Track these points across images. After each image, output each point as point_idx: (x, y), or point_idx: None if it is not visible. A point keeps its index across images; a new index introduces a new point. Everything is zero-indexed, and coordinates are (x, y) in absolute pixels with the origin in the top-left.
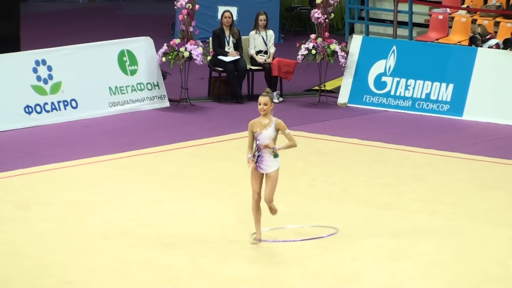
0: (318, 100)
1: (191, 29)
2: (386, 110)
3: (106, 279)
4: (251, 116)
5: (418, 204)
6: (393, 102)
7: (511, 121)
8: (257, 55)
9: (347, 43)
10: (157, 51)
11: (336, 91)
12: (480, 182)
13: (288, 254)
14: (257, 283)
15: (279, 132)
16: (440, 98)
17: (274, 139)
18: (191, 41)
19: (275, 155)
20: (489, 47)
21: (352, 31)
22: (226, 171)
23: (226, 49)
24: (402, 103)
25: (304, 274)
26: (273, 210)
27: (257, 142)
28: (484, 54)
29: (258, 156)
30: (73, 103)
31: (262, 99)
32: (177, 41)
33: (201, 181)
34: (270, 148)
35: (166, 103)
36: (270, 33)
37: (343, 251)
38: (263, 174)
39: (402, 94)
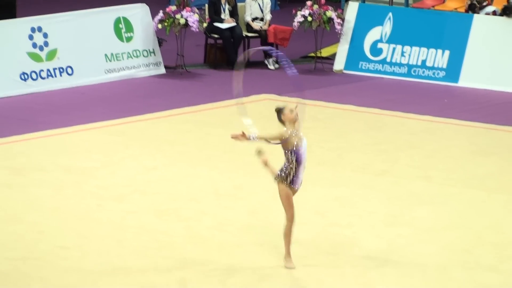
0: (314, 66)
1: None
2: (382, 77)
3: (101, 244)
4: (247, 83)
5: (413, 170)
6: (389, 69)
7: (506, 88)
8: (253, 22)
9: (343, 10)
10: (153, 18)
11: (332, 57)
12: (476, 148)
13: (283, 221)
14: (252, 248)
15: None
16: (436, 65)
17: None
18: (187, 8)
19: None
20: (486, 14)
21: None
22: (222, 137)
23: (222, 16)
24: (398, 70)
25: (300, 240)
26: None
27: (300, 158)
28: (480, 21)
29: (294, 174)
30: (69, 70)
31: (293, 107)
32: (173, 8)
33: (196, 148)
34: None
35: (162, 70)
36: (266, 0)
37: (339, 217)
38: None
39: (398, 61)
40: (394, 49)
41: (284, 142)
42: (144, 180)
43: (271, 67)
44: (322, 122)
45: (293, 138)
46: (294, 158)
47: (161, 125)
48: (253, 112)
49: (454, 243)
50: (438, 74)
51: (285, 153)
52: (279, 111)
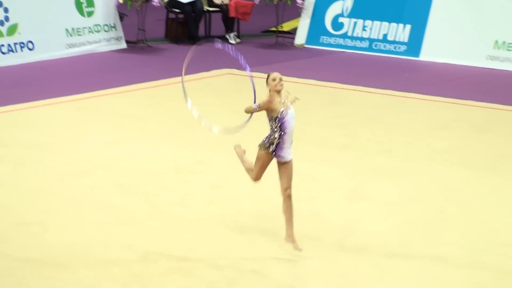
0: (275, 41)
1: None
2: (343, 51)
3: (62, 220)
4: (208, 58)
5: (375, 145)
6: (350, 43)
7: (467, 62)
8: None
9: None
10: None
11: (293, 32)
12: (437, 123)
13: (244, 195)
14: (213, 223)
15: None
16: (397, 39)
17: None
18: None
19: (291, 141)
20: None
21: None
22: (183, 112)
23: None
24: (359, 44)
25: (260, 215)
26: (291, 202)
27: (285, 126)
28: None
29: (278, 144)
30: (30, 45)
31: (275, 74)
32: None
33: (157, 123)
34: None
35: (123, 45)
36: None
37: (301, 191)
38: (270, 162)
39: (359, 35)
40: (355, 23)
41: (268, 108)
42: (104, 155)
43: (232, 41)
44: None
45: (278, 105)
46: (278, 125)
47: (122, 100)
48: (215, 87)
49: (415, 218)
50: (399, 48)
51: (269, 121)
52: (267, 77)
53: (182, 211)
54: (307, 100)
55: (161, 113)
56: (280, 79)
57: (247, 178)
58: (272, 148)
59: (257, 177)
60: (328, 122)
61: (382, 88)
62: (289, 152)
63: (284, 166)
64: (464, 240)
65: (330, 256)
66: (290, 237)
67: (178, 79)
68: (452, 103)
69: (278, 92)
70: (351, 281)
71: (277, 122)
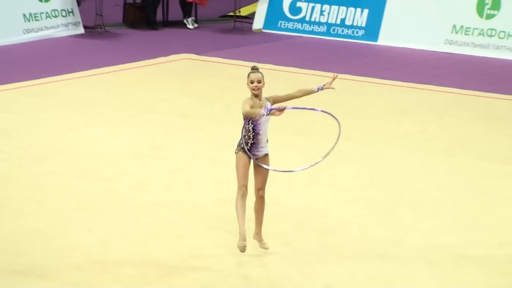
0: (233, 26)
1: None
2: (301, 36)
3: (21, 205)
4: (167, 43)
5: (333, 129)
6: (308, 28)
7: (426, 46)
8: None
9: None
10: None
11: (251, 17)
12: (395, 107)
13: (203, 180)
14: (172, 208)
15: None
16: (355, 24)
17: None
18: None
19: (267, 140)
20: None
21: None
22: (141, 97)
23: None
24: (317, 29)
25: (219, 200)
26: (263, 203)
27: (258, 128)
28: None
29: (252, 144)
30: None
31: (254, 75)
32: None
33: (116, 108)
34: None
35: (81, 30)
36: None
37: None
38: (250, 164)
39: (317, 20)
40: (313, 8)
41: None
42: (63, 141)
43: (190, 26)
44: (241, 81)
45: (255, 109)
46: (251, 127)
47: (80, 85)
48: (173, 71)
49: (374, 202)
50: (357, 32)
51: (244, 121)
52: (248, 73)
53: (141, 196)
54: (265, 85)
55: (119, 99)
56: (259, 81)
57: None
58: (247, 148)
59: (242, 182)
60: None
61: (340, 73)
62: (266, 150)
63: (260, 161)
64: (423, 224)
65: (289, 241)
66: (258, 235)
67: (136, 64)
68: (411, 87)
69: (256, 95)
70: (310, 265)
71: (251, 124)
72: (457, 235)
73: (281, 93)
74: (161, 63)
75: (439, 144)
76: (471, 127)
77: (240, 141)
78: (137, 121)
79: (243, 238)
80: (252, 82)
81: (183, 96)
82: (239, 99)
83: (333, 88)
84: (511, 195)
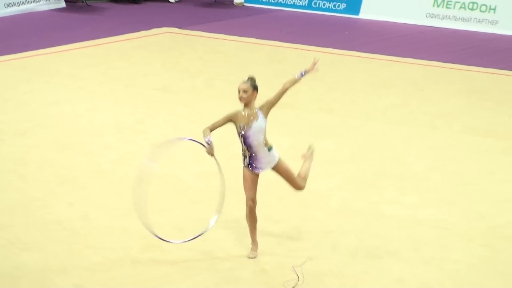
0: (215, 0)
1: None
2: (283, 9)
3: (3, 180)
4: (148, 17)
5: (315, 103)
6: (290, 1)
7: (407, 20)
8: None
9: None
10: None
11: None
12: (377, 81)
13: (185, 154)
14: (154, 182)
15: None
16: None
17: (265, 131)
18: None
19: (269, 148)
20: None
21: None
22: (123, 71)
23: None
24: (299, 2)
25: (201, 174)
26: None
27: (249, 141)
28: None
29: (250, 156)
30: None
31: (241, 85)
32: None
33: (98, 82)
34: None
35: (62, 4)
36: None
37: (239, 149)
38: (258, 176)
39: None
40: None
41: (232, 121)
42: (45, 115)
43: (171, 0)
44: (223, 55)
45: (241, 119)
46: (242, 140)
47: (62, 59)
48: (155, 45)
49: (356, 176)
50: (338, 6)
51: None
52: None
53: (123, 169)
54: (247, 58)
55: (101, 73)
56: (244, 91)
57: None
58: (246, 162)
59: (249, 199)
60: (268, 81)
61: (322, 46)
62: (270, 160)
63: (277, 170)
64: (405, 198)
65: (271, 214)
66: (256, 246)
67: (118, 37)
68: (392, 61)
69: (245, 105)
70: (292, 238)
71: (240, 137)
72: (439, 208)
73: (271, 94)
74: (142, 37)
75: (421, 117)
76: (453, 100)
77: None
78: (119, 95)
79: (255, 247)
80: (238, 92)
81: (165, 70)
82: (221, 73)
83: (316, 71)
84: (493, 168)
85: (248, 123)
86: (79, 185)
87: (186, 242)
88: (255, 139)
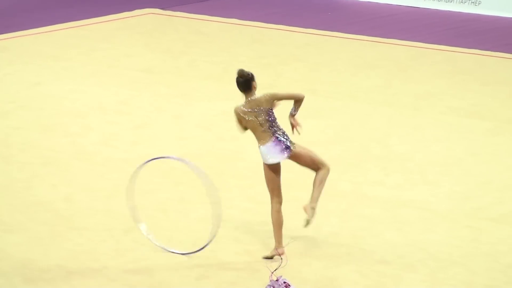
0: None
1: None
2: None
3: None
4: None
5: (298, 84)
6: None
7: (390, 0)
8: None
9: None
10: None
11: None
12: (361, 61)
13: (168, 135)
14: (137, 163)
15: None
16: None
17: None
18: None
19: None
20: None
21: None
22: (106, 52)
23: None
24: None
25: (185, 155)
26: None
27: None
28: None
29: (261, 151)
30: None
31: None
32: None
33: (81, 63)
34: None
35: None
36: None
37: (223, 130)
38: (280, 167)
39: None
40: None
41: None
42: (28, 96)
43: None
44: (206, 36)
45: (243, 119)
46: (274, 122)
47: (45, 40)
48: (138, 26)
49: (340, 157)
50: None
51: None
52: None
53: (107, 151)
54: (230, 39)
55: (84, 54)
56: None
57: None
58: (289, 142)
59: (274, 196)
60: (251, 62)
61: (305, 27)
62: (274, 154)
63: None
64: (388, 178)
65: (254, 195)
66: (281, 247)
67: (101, 18)
68: (375, 41)
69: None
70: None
71: (272, 114)
72: (423, 189)
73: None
74: (125, 18)
75: (404, 98)
76: (436, 81)
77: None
78: (102, 77)
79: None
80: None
81: (148, 51)
82: (204, 54)
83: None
84: (477, 150)
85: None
86: (62, 167)
87: (191, 254)
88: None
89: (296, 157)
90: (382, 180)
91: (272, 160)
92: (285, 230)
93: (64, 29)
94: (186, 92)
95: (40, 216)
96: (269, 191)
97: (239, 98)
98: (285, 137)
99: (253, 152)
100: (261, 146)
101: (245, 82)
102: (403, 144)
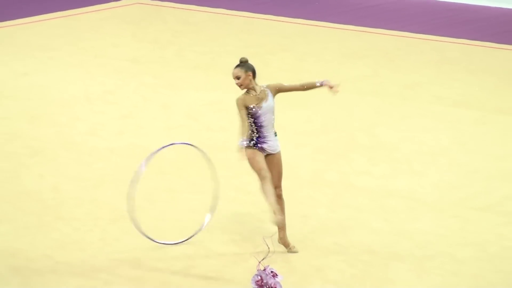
0: None
1: None
2: None
3: None
4: None
5: (286, 74)
6: None
7: None
8: None
9: None
10: None
11: None
12: (348, 51)
13: (154, 125)
14: (124, 152)
15: (279, 93)
16: None
17: (274, 111)
18: None
19: (275, 133)
20: None
21: None
22: (93, 42)
23: None
24: None
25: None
26: (282, 202)
27: (260, 120)
28: None
29: (258, 137)
30: None
31: (233, 71)
32: None
33: (68, 53)
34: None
35: None
36: None
37: (210, 120)
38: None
39: None
40: None
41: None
42: (15, 86)
43: None
44: (194, 26)
45: (249, 101)
46: (252, 121)
47: (32, 30)
48: (125, 16)
49: (327, 147)
50: None
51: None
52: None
53: (93, 141)
54: (217, 29)
55: (71, 43)
56: (237, 77)
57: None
58: (253, 142)
59: (261, 175)
60: (239, 52)
61: (292, 17)
62: (276, 145)
63: (271, 160)
64: (375, 168)
65: (240, 185)
66: (283, 239)
67: (88, 8)
68: (362, 31)
69: (248, 90)
70: (262, 210)
71: (250, 117)
72: (409, 179)
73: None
74: (112, 7)
75: (391, 88)
76: (423, 71)
77: (246, 139)
78: (89, 66)
79: (278, 213)
80: (234, 79)
81: (135, 41)
82: (191, 44)
83: (334, 92)
84: (464, 139)
85: (259, 104)
86: (49, 157)
87: (180, 243)
88: (266, 119)
89: (273, 160)
90: (369, 170)
91: (266, 153)
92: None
93: (51, 19)
94: (173, 82)
95: (27, 206)
96: (255, 170)
97: (227, 88)
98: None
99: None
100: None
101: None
102: (390, 133)
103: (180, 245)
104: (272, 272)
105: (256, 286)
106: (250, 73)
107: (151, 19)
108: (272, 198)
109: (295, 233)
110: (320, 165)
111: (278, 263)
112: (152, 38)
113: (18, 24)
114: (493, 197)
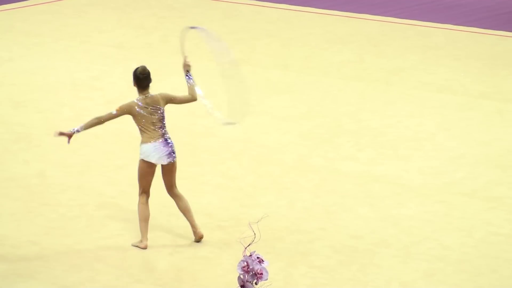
0: None
1: None
2: None
3: None
4: None
5: (271, 59)
6: None
7: None
8: None
9: None
10: None
11: None
12: (333, 37)
13: None
14: (109, 139)
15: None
16: None
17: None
18: None
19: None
20: None
21: None
22: (78, 28)
23: None
24: None
25: None
26: (184, 200)
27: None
28: None
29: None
30: None
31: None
32: None
33: (53, 39)
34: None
35: None
36: None
37: (195, 107)
38: (155, 169)
39: None
40: None
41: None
42: None
43: None
44: (178, 12)
45: (138, 114)
46: (163, 122)
47: (16, 15)
48: (110, 2)
49: (312, 132)
50: None
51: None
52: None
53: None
54: (202, 14)
55: (56, 29)
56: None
57: None
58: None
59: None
60: (223, 37)
61: (277, 2)
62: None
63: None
64: (360, 154)
65: (226, 171)
66: (196, 233)
67: None
68: (347, 16)
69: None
70: (248, 195)
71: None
72: (395, 164)
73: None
74: None
75: (376, 73)
76: (408, 56)
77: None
78: (74, 52)
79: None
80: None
81: (120, 26)
82: (176, 30)
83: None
84: (448, 125)
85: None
86: (34, 143)
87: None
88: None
89: (171, 168)
90: (354, 155)
91: (155, 160)
92: (258, 206)
93: (35, 4)
94: (157, 68)
95: (13, 192)
96: (140, 186)
97: (212, 74)
98: (171, 141)
99: (225, 129)
100: (147, 144)
101: (147, 78)
102: (375, 119)
103: (165, 230)
104: (258, 258)
105: (242, 272)
106: (134, 82)
107: (136, 4)
108: (145, 223)
109: (281, 218)
110: (305, 151)
111: (264, 248)
112: (137, 23)
113: (2, 10)
114: (478, 183)
